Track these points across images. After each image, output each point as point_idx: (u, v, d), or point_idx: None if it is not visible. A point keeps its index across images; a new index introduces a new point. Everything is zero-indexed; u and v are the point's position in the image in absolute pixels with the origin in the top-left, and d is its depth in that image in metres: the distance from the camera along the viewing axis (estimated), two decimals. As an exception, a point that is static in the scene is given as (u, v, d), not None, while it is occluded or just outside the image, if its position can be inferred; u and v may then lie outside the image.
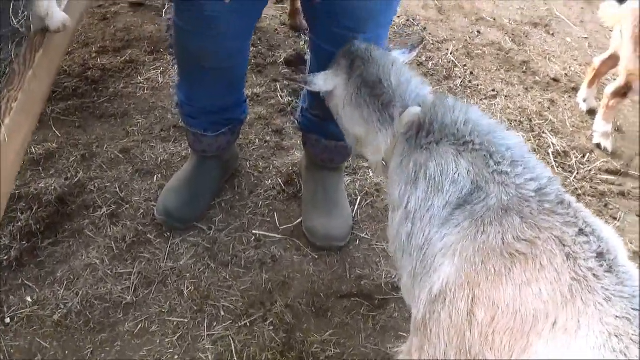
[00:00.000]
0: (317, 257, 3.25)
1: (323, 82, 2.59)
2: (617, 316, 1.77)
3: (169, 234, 3.20)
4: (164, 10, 4.55)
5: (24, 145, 2.49)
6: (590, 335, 1.76)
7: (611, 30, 5.63)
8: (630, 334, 1.74)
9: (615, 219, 3.97)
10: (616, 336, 1.73)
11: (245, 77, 3.31)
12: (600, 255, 1.88)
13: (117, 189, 3.35)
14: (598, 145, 4.53)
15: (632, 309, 1.78)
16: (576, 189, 4.09)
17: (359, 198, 3.58)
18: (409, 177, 2.27)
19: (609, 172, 4.36)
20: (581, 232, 1.94)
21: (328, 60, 2.68)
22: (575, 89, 5.02)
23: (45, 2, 2.48)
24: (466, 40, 5.14)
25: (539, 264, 1.89)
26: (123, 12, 4.79)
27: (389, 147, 2.44)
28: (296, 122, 3.49)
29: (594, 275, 1.84)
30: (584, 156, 4.40)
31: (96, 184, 3.37)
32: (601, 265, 1.86)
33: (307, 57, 3.20)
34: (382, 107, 2.45)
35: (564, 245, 1.91)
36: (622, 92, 4.42)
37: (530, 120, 4.55)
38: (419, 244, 2.18)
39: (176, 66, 3.20)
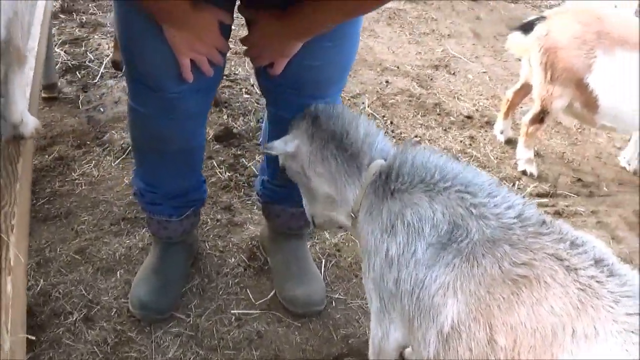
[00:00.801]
0: (300, 325, 3.24)
1: (284, 144, 2.58)
2: (628, 314, 1.84)
3: (148, 328, 3.12)
4: (79, 102, 4.49)
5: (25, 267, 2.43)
6: (609, 337, 1.83)
7: (506, 61, 5.87)
8: None
9: (558, 238, 4.09)
10: (632, 332, 1.81)
11: (203, 156, 3.29)
12: (598, 262, 1.96)
13: (83, 291, 3.25)
14: (524, 172, 4.70)
15: None
16: (516, 216, 4.20)
17: (324, 260, 3.60)
18: (383, 225, 2.31)
19: (540, 195, 4.53)
20: (573, 244, 2.01)
21: None
22: (489, 123, 5.20)
23: (19, 108, 2.43)
24: (377, 91, 5.24)
25: (543, 283, 1.95)
26: (39, 107, 4.68)
27: (358, 198, 2.47)
28: (257, 195, 3.48)
29: (597, 281, 1.92)
30: (514, 184, 4.55)
31: (60, 290, 3.26)
32: (602, 272, 1.94)
33: (263, 126, 3.24)
34: (350, 159, 2.47)
35: (562, 260, 1.98)
36: (540, 119, 4.59)
37: (457, 159, 4.65)
38: (408, 289, 2.21)
39: (133, 153, 3.15)
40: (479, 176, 2.32)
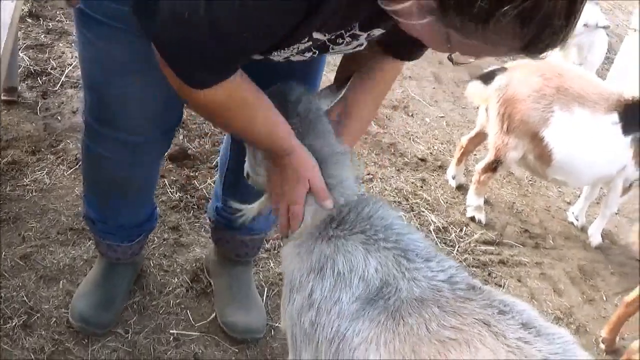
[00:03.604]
0: (237, 350, 3.25)
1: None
2: None
3: (86, 340, 3.11)
4: (37, 108, 4.46)
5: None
6: None
7: (464, 108, 5.94)
8: None
9: (500, 286, 4.19)
10: None
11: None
12: (525, 325, 1.98)
13: (25, 298, 3.23)
14: (472, 219, 4.76)
15: None
16: (460, 261, 4.25)
17: (266, 288, 3.61)
18: (312, 265, 2.26)
19: (486, 242, 4.59)
20: (501, 312, 2.02)
21: None
22: (442, 167, 5.25)
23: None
24: (334, 127, 5.26)
25: (473, 347, 1.94)
26: (-4, 110, 4.68)
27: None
28: (207, 219, 3.49)
29: (525, 342, 1.93)
30: (461, 230, 4.60)
31: (1, 294, 3.25)
32: (530, 333, 1.95)
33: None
34: None
35: (489, 326, 1.98)
36: (492, 167, 4.66)
37: (407, 200, 4.71)
38: (328, 337, 2.17)
39: (84, 183, 3.05)
40: (420, 241, 2.30)
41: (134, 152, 2.67)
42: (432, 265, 2.19)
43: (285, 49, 1.99)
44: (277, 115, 2.16)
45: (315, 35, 1.92)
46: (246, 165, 2.66)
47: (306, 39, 1.93)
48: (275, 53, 2.03)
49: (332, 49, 2.07)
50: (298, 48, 1.99)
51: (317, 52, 2.11)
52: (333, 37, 1.99)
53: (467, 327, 1.99)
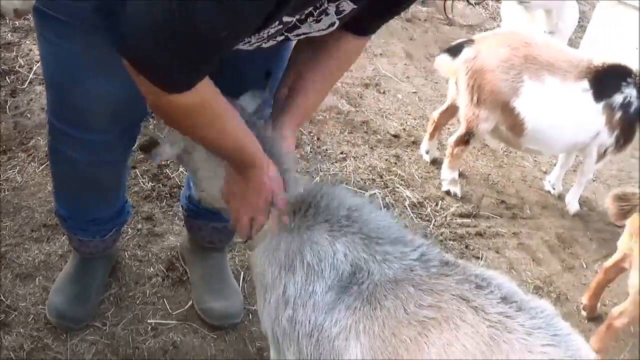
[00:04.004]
0: (215, 336, 3.26)
1: (169, 148, 2.48)
2: (542, 344, 1.88)
3: (65, 335, 3.10)
4: (7, 106, 4.44)
5: None
6: None
7: (436, 82, 5.94)
8: (562, 357, 1.86)
9: (477, 258, 4.20)
10: None
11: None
12: (505, 300, 1.98)
13: (1, 297, 3.21)
14: (448, 192, 4.77)
15: (552, 335, 1.91)
16: (437, 235, 4.27)
17: (242, 272, 3.61)
18: (282, 262, 2.26)
19: (462, 215, 4.60)
20: (478, 286, 2.03)
21: None
22: (416, 142, 5.26)
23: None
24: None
25: (452, 324, 1.95)
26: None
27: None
28: (180, 207, 3.48)
29: (507, 316, 1.94)
30: (437, 204, 4.61)
31: (-23, 294, 3.25)
32: (510, 307, 1.96)
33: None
34: None
35: (468, 301, 1.99)
36: (465, 140, 4.66)
37: (382, 177, 4.71)
38: (306, 332, 2.17)
39: (53, 182, 3.03)
40: (386, 220, 2.32)
41: (99, 151, 2.65)
42: (401, 245, 2.21)
43: (256, 35, 1.98)
44: (245, 127, 2.15)
45: (286, 19, 1.92)
46: (193, 192, 2.72)
47: (277, 23, 1.92)
48: (246, 42, 2.02)
49: (309, 27, 2.07)
50: (268, 33, 1.98)
51: (288, 34, 2.10)
52: (303, 16, 1.98)
53: (445, 304, 2.00)
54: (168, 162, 4.24)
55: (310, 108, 2.54)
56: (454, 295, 2.01)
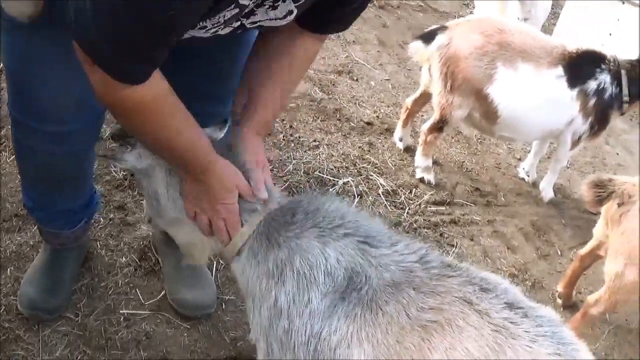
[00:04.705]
0: (189, 327, 3.24)
1: (137, 158, 2.43)
2: (548, 353, 1.85)
3: (36, 326, 3.07)
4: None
5: None
6: None
7: (409, 70, 5.92)
8: None
9: (452, 245, 4.20)
10: None
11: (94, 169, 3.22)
12: (510, 306, 1.95)
13: (-28, 288, 3.20)
14: (421, 180, 4.76)
15: (557, 344, 1.88)
16: (411, 223, 4.27)
17: (215, 262, 3.57)
18: (269, 271, 2.21)
19: (436, 203, 4.59)
20: (483, 289, 2.00)
21: None
22: (389, 130, 5.24)
23: None
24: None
25: (455, 327, 1.92)
26: None
27: (236, 242, 2.32)
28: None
29: (512, 322, 1.91)
30: (411, 192, 4.60)
31: (-52, 286, 3.21)
32: (516, 314, 1.93)
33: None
34: None
35: (472, 304, 1.95)
36: (438, 127, 4.65)
37: (355, 165, 4.70)
38: (303, 341, 2.12)
39: (19, 173, 2.98)
40: (380, 226, 2.29)
41: (63, 143, 2.59)
42: (399, 249, 2.17)
43: (211, 18, 1.94)
44: (199, 129, 2.13)
45: (242, 1, 1.88)
46: (146, 211, 2.68)
47: (232, 6, 1.89)
48: (201, 26, 1.99)
49: (266, 13, 2.04)
50: (224, 17, 1.95)
51: (245, 20, 2.07)
52: (259, 0, 1.95)
53: (448, 306, 1.96)
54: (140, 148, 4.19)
55: (272, 117, 2.50)
56: (456, 297, 1.98)
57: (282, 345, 2.19)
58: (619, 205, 3.53)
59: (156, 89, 1.90)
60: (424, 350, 1.92)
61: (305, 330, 2.10)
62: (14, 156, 3.79)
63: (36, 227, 3.39)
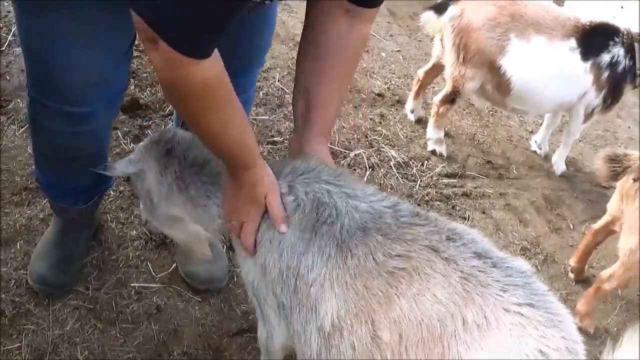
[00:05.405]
0: (200, 300, 3.23)
1: (127, 165, 2.49)
2: (519, 303, 1.83)
3: (47, 300, 3.06)
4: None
5: None
6: (502, 327, 1.81)
7: (420, 41, 5.87)
8: (538, 319, 1.81)
9: (464, 218, 4.18)
10: (526, 325, 1.80)
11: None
12: (478, 255, 1.94)
13: (-18, 262, 3.18)
14: (433, 152, 4.73)
15: (530, 294, 1.86)
16: (423, 196, 4.24)
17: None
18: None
19: (448, 175, 4.57)
20: (449, 238, 1.99)
21: None
22: (400, 102, 5.20)
23: None
24: (289, 66, 5.17)
25: (423, 274, 1.91)
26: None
27: None
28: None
29: (481, 271, 1.89)
30: (422, 164, 4.58)
31: (-43, 260, 3.19)
32: (485, 263, 1.92)
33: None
34: (211, 179, 2.39)
35: (438, 252, 1.95)
36: (450, 99, 4.61)
37: (367, 137, 4.66)
38: (281, 278, 2.14)
39: (33, 151, 2.97)
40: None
41: (81, 123, 2.57)
42: (371, 193, 2.18)
43: None
44: (249, 123, 2.10)
45: None
46: (143, 214, 2.69)
47: None
48: None
49: None
50: None
51: None
52: None
53: (415, 254, 1.95)
54: (150, 123, 4.18)
55: (334, 117, 2.47)
56: (423, 245, 1.97)
57: (263, 292, 2.25)
58: (635, 180, 3.50)
59: (218, 66, 1.87)
60: (391, 297, 1.92)
61: (281, 265, 2.13)
62: (22, 129, 3.80)
63: (46, 200, 3.38)
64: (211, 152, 2.25)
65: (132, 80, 4.43)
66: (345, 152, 4.43)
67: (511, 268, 1.93)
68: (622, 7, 6.78)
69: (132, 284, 3.23)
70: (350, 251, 2.01)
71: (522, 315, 1.81)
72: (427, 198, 4.26)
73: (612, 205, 3.80)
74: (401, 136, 4.83)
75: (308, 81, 2.33)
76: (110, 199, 3.62)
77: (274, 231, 2.15)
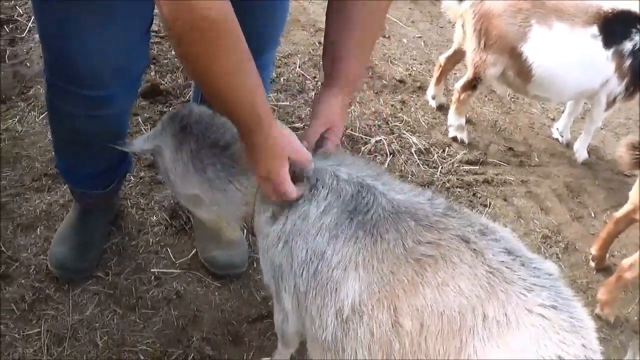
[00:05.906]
0: (220, 285, 3.24)
1: (143, 142, 2.49)
2: (543, 304, 1.81)
3: (67, 286, 3.08)
4: (6, 56, 4.36)
5: None
6: (522, 327, 1.79)
7: (442, 27, 5.85)
8: (560, 323, 1.79)
9: (485, 205, 4.16)
10: (546, 328, 1.78)
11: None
12: (509, 252, 1.92)
13: (2, 248, 3.18)
14: (454, 139, 4.71)
15: (555, 296, 1.83)
16: (444, 182, 4.23)
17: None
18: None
19: (469, 162, 4.54)
20: (481, 232, 1.98)
21: None
22: (422, 88, 5.18)
23: None
24: (310, 52, 5.16)
25: (450, 262, 1.91)
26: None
27: (252, 194, 2.33)
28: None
29: (508, 267, 1.88)
30: (444, 151, 4.56)
31: (-22, 246, 3.20)
32: (514, 260, 1.90)
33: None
34: (233, 162, 2.34)
35: (468, 242, 1.94)
36: (472, 85, 4.58)
37: (388, 123, 4.65)
38: (304, 259, 2.10)
39: (52, 136, 2.98)
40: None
41: (100, 107, 2.56)
42: (408, 189, 2.17)
43: None
44: (261, 83, 1.99)
45: None
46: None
47: None
48: None
49: None
50: None
51: None
52: None
53: (445, 242, 1.95)
54: (170, 109, 4.17)
55: (358, 69, 2.40)
56: (454, 234, 1.97)
57: (283, 274, 2.21)
58: (657, 169, 3.48)
59: (226, 10, 1.79)
60: (416, 285, 1.91)
61: (308, 248, 2.10)
62: (42, 115, 3.81)
63: (66, 186, 3.39)
64: (221, 111, 2.18)
65: (152, 66, 4.43)
66: (366, 139, 4.42)
67: (539, 269, 1.91)
68: None
69: (151, 270, 3.24)
70: (381, 235, 2.01)
71: (544, 317, 1.79)
72: (448, 185, 4.24)
73: (634, 193, 3.77)
74: (422, 123, 4.81)
75: (334, 35, 2.30)
76: (130, 185, 3.62)
77: (304, 211, 2.13)
